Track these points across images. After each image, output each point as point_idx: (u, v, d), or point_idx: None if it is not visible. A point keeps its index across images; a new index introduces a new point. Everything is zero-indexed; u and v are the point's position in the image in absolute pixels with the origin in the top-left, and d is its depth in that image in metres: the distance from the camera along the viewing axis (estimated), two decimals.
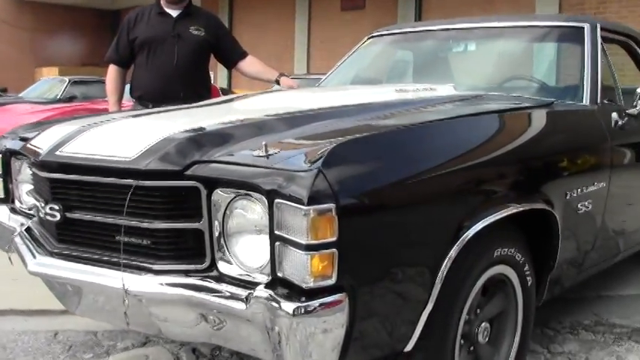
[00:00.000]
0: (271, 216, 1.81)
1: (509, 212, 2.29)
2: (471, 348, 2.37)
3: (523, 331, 2.57)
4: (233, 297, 1.91)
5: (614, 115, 3.13)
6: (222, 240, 2.00)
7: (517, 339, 2.56)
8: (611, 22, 3.64)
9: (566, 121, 2.95)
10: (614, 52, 3.61)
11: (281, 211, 1.78)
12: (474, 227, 2.13)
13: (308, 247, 1.74)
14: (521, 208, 2.35)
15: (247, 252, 1.95)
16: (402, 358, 2.12)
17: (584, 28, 3.32)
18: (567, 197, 2.64)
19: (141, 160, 2.09)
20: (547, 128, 2.76)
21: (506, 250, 2.37)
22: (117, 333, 3.28)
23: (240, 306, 1.87)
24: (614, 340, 3.28)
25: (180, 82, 3.90)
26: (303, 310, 1.74)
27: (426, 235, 2.05)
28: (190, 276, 2.03)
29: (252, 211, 1.92)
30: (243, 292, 1.89)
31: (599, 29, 3.33)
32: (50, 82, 12.76)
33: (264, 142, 1.95)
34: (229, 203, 1.96)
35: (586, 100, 3.10)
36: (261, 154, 1.92)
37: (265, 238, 1.86)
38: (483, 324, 2.39)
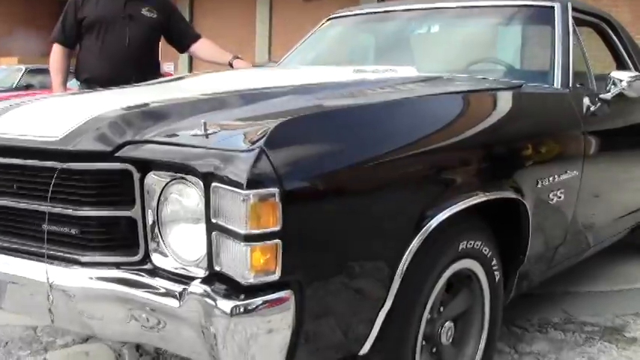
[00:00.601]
0: (207, 202, 1.60)
1: (477, 201, 2.10)
2: (434, 349, 2.18)
3: (490, 330, 2.39)
4: (167, 293, 1.70)
5: (586, 100, 2.95)
6: (156, 229, 1.78)
7: (483, 339, 2.38)
8: (582, 2, 3.48)
9: (536, 103, 2.77)
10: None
11: (218, 197, 1.57)
12: (437, 217, 1.94)
13: (247, 238, 1.53)
14: (490, 197, 2.17)
15: (183, 243, 1.74)
16: None
17: (554, 7, 3.15)
18: (538, 186, 2.46)
19: (68, 140, 1.87)
20: (516, 110, 2.57)
21: (472, 242, 2.18)
22: (58, 329, 3.06)
23: (173, 303, 1.66)
24: (585, 340, 3.11)
25: (131, 66, 3.73)
26: (242, 309, 1.54)
27: (384, 225, 1.85)
28: (122, 269, 1.82)
29: (188, 196, 1.71)
30: (177, 288, 1.68)
31: (570, 8, 3.17)
32: (6, 71, 12.48)
33: (203, 121, 1.74)
34: (164, 188, 1.75)
35: (557, 84, 2.92)
36: (199, 134, 1.71)
37: (202, 228, 1.65)
38: (447, 323, 2.21)
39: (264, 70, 2.82)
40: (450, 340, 2.23)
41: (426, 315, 2.05)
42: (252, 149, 1.55)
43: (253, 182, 1.51)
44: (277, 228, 1.54)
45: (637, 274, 4.12)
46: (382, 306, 1.85)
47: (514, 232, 2.43)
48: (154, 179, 1.76)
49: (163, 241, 1.78)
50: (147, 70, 3.76)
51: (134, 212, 1.80)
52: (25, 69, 11.69)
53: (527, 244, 2.45)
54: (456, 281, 2.24)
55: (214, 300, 1.56)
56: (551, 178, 2.54)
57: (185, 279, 1.70)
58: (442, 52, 3.38)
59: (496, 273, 2.36)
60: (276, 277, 1.57)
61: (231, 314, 1.53)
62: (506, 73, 3.11)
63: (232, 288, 1.58)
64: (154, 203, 1.77)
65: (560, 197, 2.63)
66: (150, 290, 1.73)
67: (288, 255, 1.57)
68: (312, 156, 1.68)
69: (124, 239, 1.84)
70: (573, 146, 2.77)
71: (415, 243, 1.88)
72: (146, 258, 1.82)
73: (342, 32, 3.85)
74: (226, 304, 1.55)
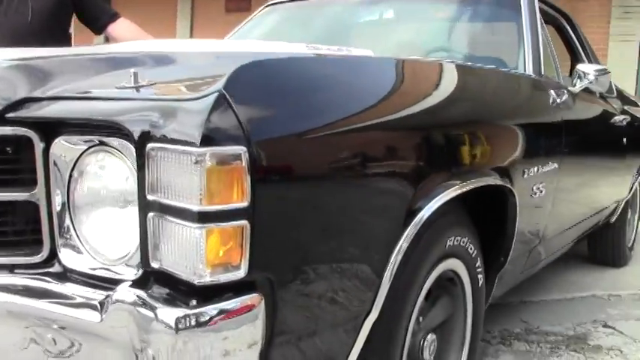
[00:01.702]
0: (142, 172, 1.14)
1: (470, 187, 1.73)
2: None
3: (471, 343, 2.05)
4: (82, 304, 1.23)
5: (552, 92, 2.66)
6: (67, 217, 1.31)
7: (465, 354, 2.03)
8: None
9: (519, 84, 2.44)
10: None
11: (157, 163, 1.12)
12: (428, 206, 1.56)
13: (203, 217, 1.08)
14: (482, 184, 1.80)
15: (105, 234, 1.28)
16: None
17: None
18: (524, 176, 2.12)
19: None
20: (501, 89, 2.22)
21: (459, 238, 1.82)
22: None
23: (91, 317, 1.19)
24: (550, 350, 2.88)
25: (35, 43, 3.18)
26: (193, 322, 1.09)
27: (377, 210, 1.44)
28: (18, 273, 1.35)
29: (112, 168, 1.25)
30: (97, 296, 1.21)
31: None
32: None
33: (133, 71, 1.28)
34: (78, 159, 1.28)
35: (528, 71, 2.62)
36: (127, 86, 1.26)
37: (133, 211, 1.19)
38: (429, 336, 1.81)
39: (203, 40, 2.34)
40: (432, 356, 1.84)
41: (412, 326, 1.65)
42: (208, 94, 1.11)
43: (210, 138, 1.06)
44: (244, 204, 1.10)
45: (587, 281, 4.04)
46: (367, 315, 1.44)
47: (497, 230, 2.08)
48: (65, 147, 1.29)
49: (77, 232, 1.31)
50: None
51: (36, 194, 1.34)
52: None
53: (511, 244, 2.10)
54: (436, 286, 1.85)
55: (152, 309, 1.10)
56: (535, 169, 2.21)
57: (108, 283, 1.24)
58: (398, 40, 3.00)
59: (479, 276, 2.01)
60: (241, 273, 1.12)
61: (178, 328, 1.08)
62: (471, 60, 2.77)
63: (178, 291, 1.13)
64: (65, 181, 1.30)
65: (541, 192, 2.30)
66: (57, 301, 1.26)
67: (258, 243, 1.13)
68: (293, 108, 1.24)
69: (20, 233, 1.38)
70: (554, 136, 2.45)
71: (405, 240, 1.49)
72: (52, 257, 1.35)
73: (283, 18, 3.41)
74: (170, 314, 1.09)
